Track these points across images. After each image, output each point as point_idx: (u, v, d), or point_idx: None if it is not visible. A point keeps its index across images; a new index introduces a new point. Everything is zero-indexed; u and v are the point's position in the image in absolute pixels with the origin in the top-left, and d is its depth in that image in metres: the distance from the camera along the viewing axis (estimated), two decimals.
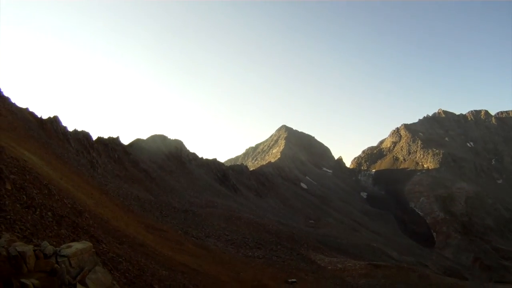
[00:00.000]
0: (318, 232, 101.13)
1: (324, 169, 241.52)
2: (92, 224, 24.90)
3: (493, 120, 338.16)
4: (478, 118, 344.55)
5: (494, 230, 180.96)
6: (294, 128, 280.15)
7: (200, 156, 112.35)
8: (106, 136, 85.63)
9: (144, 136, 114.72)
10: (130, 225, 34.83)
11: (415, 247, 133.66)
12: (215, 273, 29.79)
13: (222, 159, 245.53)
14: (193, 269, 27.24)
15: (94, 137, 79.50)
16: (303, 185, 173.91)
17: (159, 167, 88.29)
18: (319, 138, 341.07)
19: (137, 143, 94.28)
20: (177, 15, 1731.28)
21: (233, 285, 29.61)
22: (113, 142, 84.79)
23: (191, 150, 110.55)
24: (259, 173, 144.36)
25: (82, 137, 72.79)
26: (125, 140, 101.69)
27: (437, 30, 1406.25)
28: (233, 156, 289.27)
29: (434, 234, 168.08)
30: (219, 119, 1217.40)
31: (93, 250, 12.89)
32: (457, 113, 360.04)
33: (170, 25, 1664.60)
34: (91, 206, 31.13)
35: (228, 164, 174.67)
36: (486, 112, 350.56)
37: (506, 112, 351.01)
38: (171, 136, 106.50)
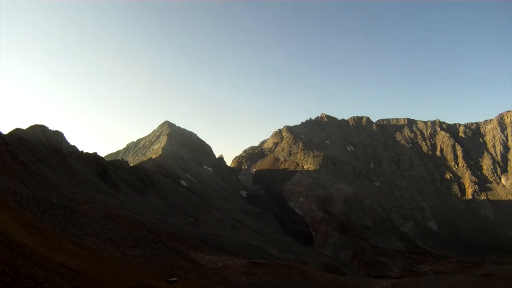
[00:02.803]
0: (198, 230, 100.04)
1: (205, 167, 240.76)
2: None
3: (374, 126, 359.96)
4: (360, 124, 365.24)
5: (371, 229, 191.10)
6: (177, 124, 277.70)
7: (80, 149, 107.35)
8: None
9: (24, 126, 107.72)
10: (7, 222, 32.26)
11: (295, 245, 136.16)
12: (95, 274, 28.25)
13: (103, 153, 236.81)
14: (73, 269, 25.57)
15: None
16: (184, 183, 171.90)
17: (38, 160, 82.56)
18: (201, 136, 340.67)
19: (16, 133, 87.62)
20: None
21: (113, 285, 28.25)
22: None
23: (72, 143, 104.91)
24: (140, 169, 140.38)
25: None
26: (4, 130, 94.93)
27: (322, 35, 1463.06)
28: (114, 150, 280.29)
29: (313, 232, 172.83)
30: (100, 111, 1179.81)
31: None
32: (340, 118, 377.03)
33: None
34: None
35: (109, 158, 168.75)
36: (368, 118, 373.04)
37: (387, 119, 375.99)
38: (52, 127, 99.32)
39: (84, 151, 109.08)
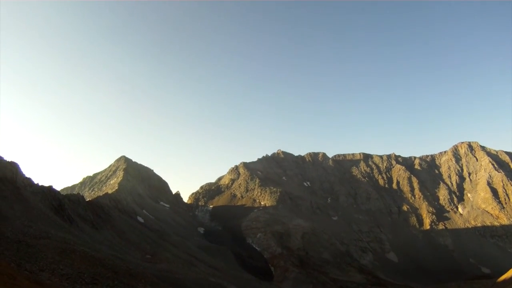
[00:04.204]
0: (155, 267, 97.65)
1: (162, 203, 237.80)
2: None
3: (330, 162, 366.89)
4: (316, 159, 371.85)
5: (331, 262, 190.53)
6: (134, 159, 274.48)
7: (35, 182, 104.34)
8: None
9: None
10: None
11: (254, 281, 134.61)
12: None
13: (58, 187, 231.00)
14: None
15: None
16: (140, 219, 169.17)
17: None
18: (158, 171, 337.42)
19: None
20: None
21: None
22: None
23: (27, 175, 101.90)
24: (96, 204, 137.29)
25: None
26: None
27: (273, 70, 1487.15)
28: (70, 184, 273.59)
29: (272, 268, 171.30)
30: (57, 144, 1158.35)
31: None
32: (296, 154, 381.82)
33: None
34: None
35: (65, 192, 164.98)
36: (324, 154, 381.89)
37: (343, 155, 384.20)
38: (6, 157, 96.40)
39: (40, 184, 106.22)
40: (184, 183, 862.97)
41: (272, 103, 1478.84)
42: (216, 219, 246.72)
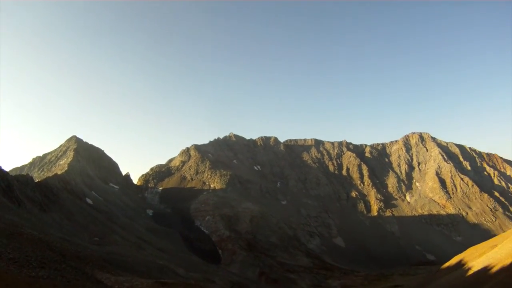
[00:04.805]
0: (103, 250, 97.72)
1: (111, 184, 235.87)
2: None
3: (282, 146, 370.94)
4: (267, 144, 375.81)
5: (278, 246, 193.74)
6: (85, 140, 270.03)
7: None
8: None
9: None
10: None
11: (202, 264, 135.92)
12: None
13: (7, 167, 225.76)
14: None
15: None
16: (89, 201, 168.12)
17: None
18: (109, 152, 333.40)
19: None
20: None
21: None
22: None
23: None
24: (45, 185, 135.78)
25: None
26: None
27: (229, 55, 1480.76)
28: (19, 165, 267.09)
29: (220, 251, 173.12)
30: (6, 124, 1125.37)
31: None
32: (248, 137, 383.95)
33: None
34: None
35: (14, 173, 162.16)
36: (275, 139, 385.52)
37: (295, 140, 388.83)
38: None
39: None
40: (135, 165, 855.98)
41: (227, 87, 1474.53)
42: (165, 201, 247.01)
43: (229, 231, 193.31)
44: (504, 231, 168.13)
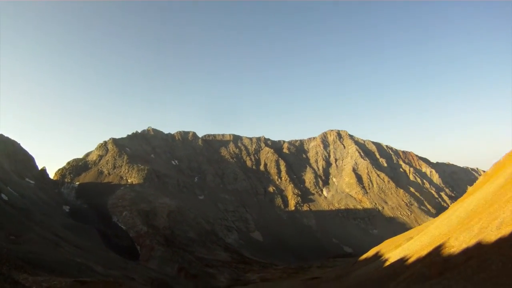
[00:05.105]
0: (20, 249, 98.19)
1: (27, 179, 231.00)
2: None
3: (200, 141, 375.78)
4: (186, 138, 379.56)
5: (196, 241, 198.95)
6: (0, 132, 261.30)
7: None
8: None
9: None
10: None
11: (120, 260, 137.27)
12: None
13: None
14: None
15: None
16: (4, 196, 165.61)
17: None
18: (25, 145, 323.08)
19: None
20: None
21: None
22: None
23: None
24: None
25: None
26: None
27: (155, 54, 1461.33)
28: None
29: (138, 247, 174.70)
30: None
31: None
32: (166, 132, 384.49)
33: None
34: None
35: None
36: (194, 133, 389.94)
37: (213, 135, 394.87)
38: None
39: None
40: (53, 159, 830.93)
41: (148, 80, 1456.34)
42: (82, 196, 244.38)
43: (146, 226, 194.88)
44: (419, 225, 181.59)
